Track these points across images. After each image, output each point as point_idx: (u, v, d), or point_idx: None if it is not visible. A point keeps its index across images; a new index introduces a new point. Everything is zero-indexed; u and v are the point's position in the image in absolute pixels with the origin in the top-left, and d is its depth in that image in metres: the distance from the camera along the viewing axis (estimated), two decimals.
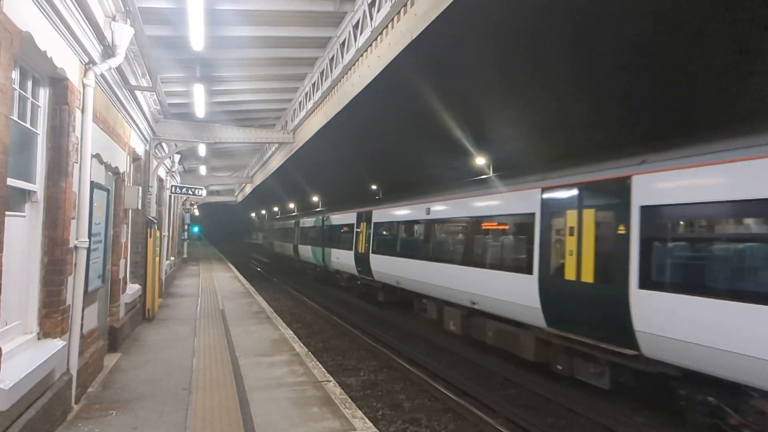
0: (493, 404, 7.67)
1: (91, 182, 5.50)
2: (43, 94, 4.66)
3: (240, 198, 37.15)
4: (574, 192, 7.86)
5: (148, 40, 7.25)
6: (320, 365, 7.27)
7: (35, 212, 4.55)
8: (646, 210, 6.59)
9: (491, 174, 15.80)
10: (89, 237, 5.43)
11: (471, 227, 10.68)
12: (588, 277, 7.38)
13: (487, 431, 6.91)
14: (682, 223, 6.46)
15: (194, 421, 4.98)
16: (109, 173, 7.19)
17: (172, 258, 19.85)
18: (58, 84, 4.74)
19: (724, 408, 6.00)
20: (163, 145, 12.61)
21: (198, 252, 42.34)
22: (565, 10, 9.56)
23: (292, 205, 49.00)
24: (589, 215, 7.53)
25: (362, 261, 16.97)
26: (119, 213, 7.74)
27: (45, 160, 4.67)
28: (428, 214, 12.58)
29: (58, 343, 4.62)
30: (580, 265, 7.52)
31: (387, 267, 14.95)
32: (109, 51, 5.72)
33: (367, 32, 9.04)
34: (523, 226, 8.98)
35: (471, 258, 10.51)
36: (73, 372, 5.14)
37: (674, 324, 6.10)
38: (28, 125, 4.39)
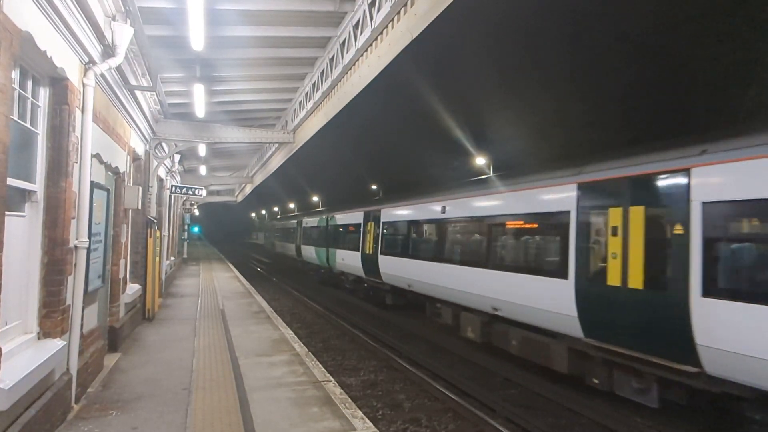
0: (493, 404, 7.66)
1: (91, 182, 5.50)
2: (43, 93, 4.66)
3: (240, 198, 37.09)
4: (618, 187, 7.03)
5: (148, 40, 7.25)
6: (320, 365, 7.27)
7: (35, 212, 4.55)
8: (709, 207, 5.82)
9: (491, 174, 15.74)
10: (89, 237, 5.43)
11: (493, 227, 9.80)
12: (636, 282, 6.59)
13: (487, 431, 6.90)
14: (756, 222, 5.63)
15: (194, 421, 4.98)
16: (109, 173, 7.20)
17: (172, 258, 19.86)
18: (58, 84, 4.74)
19: None
20: (163, 145, 12.62)
21: (198, 252, 42.36)
22: (565, 10, 9.59)
23: (292, 205, 49.05)
24: (637, 213, 6.70)
25: (370, 262, 16.20)
26: (119, 213, 7.75)
27: (45, 159, 4.67)
28: (444, 212, 11.77)
29: (58, 343, 4.62)
30: (627, 270, 6.74)
31: (397, 269, 14.10)
32: (109, 51, 5.73)
33: (367, 32, 9.04)
34: (555, 225, 8.14)
35: (493, 260, 9.64)
36: (73, 372, 5.14)
37: (750, 338, 5.26)
38: (28, 125, 4.39)
